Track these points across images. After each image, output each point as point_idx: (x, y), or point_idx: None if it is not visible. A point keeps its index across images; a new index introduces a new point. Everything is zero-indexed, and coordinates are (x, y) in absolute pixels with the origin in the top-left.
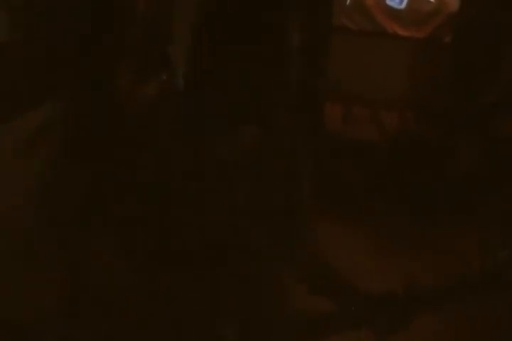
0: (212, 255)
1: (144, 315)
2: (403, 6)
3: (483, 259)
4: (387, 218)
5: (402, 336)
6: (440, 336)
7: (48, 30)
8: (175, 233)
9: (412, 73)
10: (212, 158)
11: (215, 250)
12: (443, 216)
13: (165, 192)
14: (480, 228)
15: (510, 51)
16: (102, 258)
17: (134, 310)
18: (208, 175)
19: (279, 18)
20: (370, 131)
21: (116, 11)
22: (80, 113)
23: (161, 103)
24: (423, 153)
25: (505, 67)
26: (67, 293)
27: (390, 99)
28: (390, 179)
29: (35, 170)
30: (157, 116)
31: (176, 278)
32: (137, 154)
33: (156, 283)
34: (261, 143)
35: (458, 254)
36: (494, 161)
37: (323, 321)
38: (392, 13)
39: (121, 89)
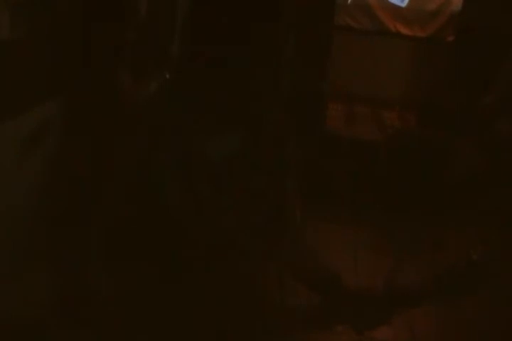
0: (201, 254)
1: (138, 314)
2: (405, 4)
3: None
4: (386, 216)
5: (379, 331)
6: (419, 331)
7: (48, 30)
8: (166, 232)
9: (415, 72)
10: (202, 159)
11: (204, 249)
12: (442, 216)
13: (162, 192)
14: (479, 228)
15: (511, 51)
16: (101, 258)
17: (130, 310)
18: (198, 176)
19: (279, 19)
20: (372, 130)
21: (117, 10)
22: (80, 112)
23: (160, 102)
24: (423, 152)
25: (505, 67)
26: (65, 294)
27: (391, 98)
28: (390, 178)
29: (36, 168)
30: (155, 114)
31: (168, 278)
32: (136, 153)
33: (149, 283)
34: (253, 144)
35: (454, 252)
36: (494, 161)
37: (305, 316)
38: (395, 11)
39: (121, 88)
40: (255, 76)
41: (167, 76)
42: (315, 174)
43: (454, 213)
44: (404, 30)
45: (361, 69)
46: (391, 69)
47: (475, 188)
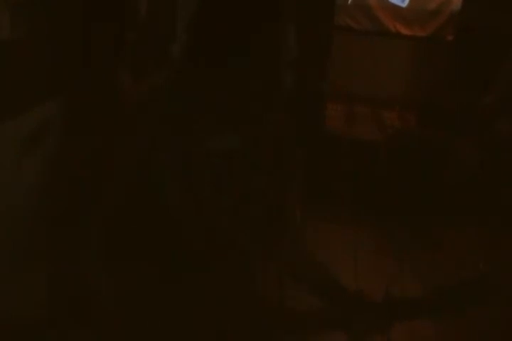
0: (201, 254)
1: (138, 314)
2: (405, 4)
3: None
4: (387, 218)
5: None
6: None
7: (48, 30)
8: (166, 232)
9: (415, 72)
10: (202, 159)
11: (203, 249)
12: (442, 216)
13: (162, 192)
14: (479, 228)
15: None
16: (101, 258)
17: (130, 310)
18: (198, 175)
19: (279, 19)
20: (372, 130)
21: (117, 10)
22: (80, 112)
23: (160, 101)
24: (423, 152)
25: (505, 66)
26: (64, 294)
27: (391, 98)
28: (390, 178)
29: (36, 168)
30: (155, 114)
31: (168, 278)
32: (136, 153)
33: (149, 283)
34: (253, 144)
35: (454, 255)
36: (494, 161)
37: (303, 320)
38: (395, 11)
39: (121, 88)
40: (255, 76)
41: (167, 74)
42: (315, 174)
43: (454, 213)
44: (404, 30)
45: (361, 70)
46: (391, 69)
47: (475, 188)
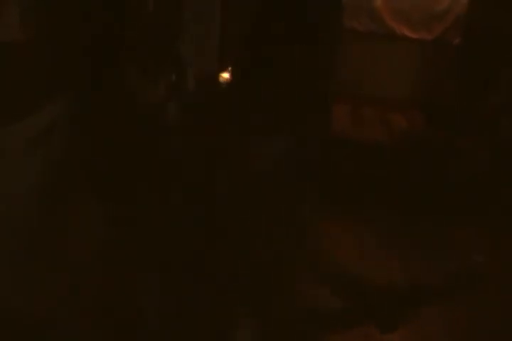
0: (232, 257)
1: (139, 315)
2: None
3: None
4: (393, 217)
5: (402, 331)
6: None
7: (56, 30)
8: (170, 235)
9: (421, 74)
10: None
11: (235, 253)
12: (448, 216)
13: (175, 202)
14: (487, 229)
15: None
16: (103, 258)
17: (130, 311)
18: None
19: (288, 21)
20: (379, 132)
21: (126, 10)
22: (88, 114)
23: (171, 104)
24: (430, 153)
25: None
26: (64, 294)
27: (398, 100)
28: (397, 179)
29: (38, 171)
30: (167, 117)
31: (188, 279)
32: (146, 157)
33: (150, 284)
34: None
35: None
36: (502, 162)
37: (330, 318)
38: (401, 14)
39: (131, 90)
40: (263, 75)
41: (173, 77)
42: (322, 176)
43: (462, 213)
44: (409, 33)
45: (367, 72)
46: (397, 71)
47: (483, 189)
